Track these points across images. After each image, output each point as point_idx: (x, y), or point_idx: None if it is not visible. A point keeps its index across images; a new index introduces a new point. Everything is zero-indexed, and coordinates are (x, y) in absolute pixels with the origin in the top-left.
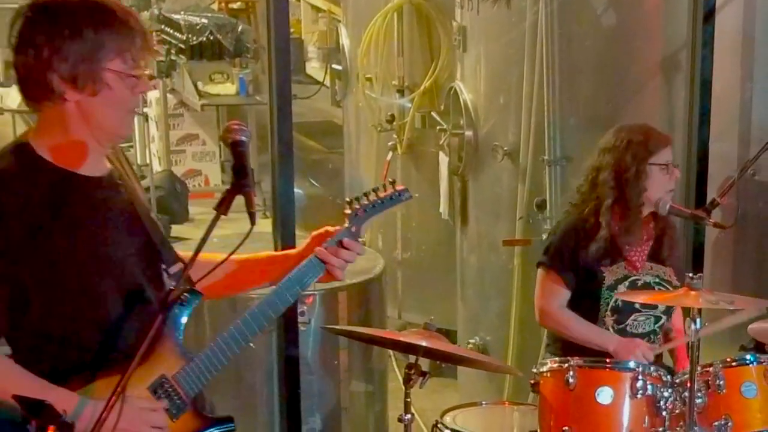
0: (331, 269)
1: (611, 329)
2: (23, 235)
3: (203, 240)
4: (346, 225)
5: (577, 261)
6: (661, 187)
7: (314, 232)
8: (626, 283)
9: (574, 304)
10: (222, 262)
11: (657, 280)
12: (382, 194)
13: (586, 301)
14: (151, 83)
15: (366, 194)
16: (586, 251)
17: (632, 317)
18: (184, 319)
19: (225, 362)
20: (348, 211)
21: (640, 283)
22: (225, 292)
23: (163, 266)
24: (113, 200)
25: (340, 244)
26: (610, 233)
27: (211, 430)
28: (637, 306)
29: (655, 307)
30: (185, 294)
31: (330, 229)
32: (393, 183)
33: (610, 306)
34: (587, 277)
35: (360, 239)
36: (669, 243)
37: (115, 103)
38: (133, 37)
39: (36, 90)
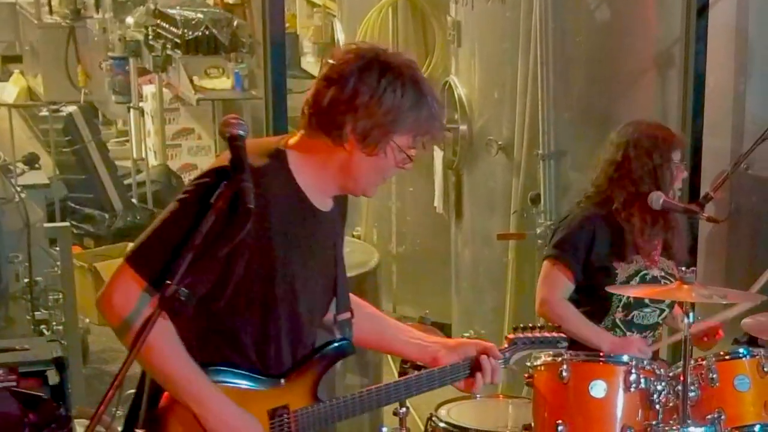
0: (474, 382)
1: (617, 321)
2: (253, 232)
3: (198, 234)
4: (505, 348)
5: (590, 255)
6: (676, 184)
7: (475, 339)
8: (637, 278)
9: (584, 301)
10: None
11: (663, 273)
12: (545, 334)
13: (597, 296)
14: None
15: (532, 328)
16: (603, 245)
17: (638, 310)
18: (334, 362)
19: (343, 418)
20: (511, 336)
21: (648, 277)
22: (371, 346)
23: (334, 312)
24: (326, 236)
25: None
26: (632, 228)
27: None
28: (646, 301)
29: (661, 300)
30: (344, 343)
31: (492, 349)
32: (558, 328)
33: (622, 302)
34: (599, 274)
35: (503, 365)
36: (678, 239)
37: (379, 169)
38: (433, 123)
39: (327, 123)
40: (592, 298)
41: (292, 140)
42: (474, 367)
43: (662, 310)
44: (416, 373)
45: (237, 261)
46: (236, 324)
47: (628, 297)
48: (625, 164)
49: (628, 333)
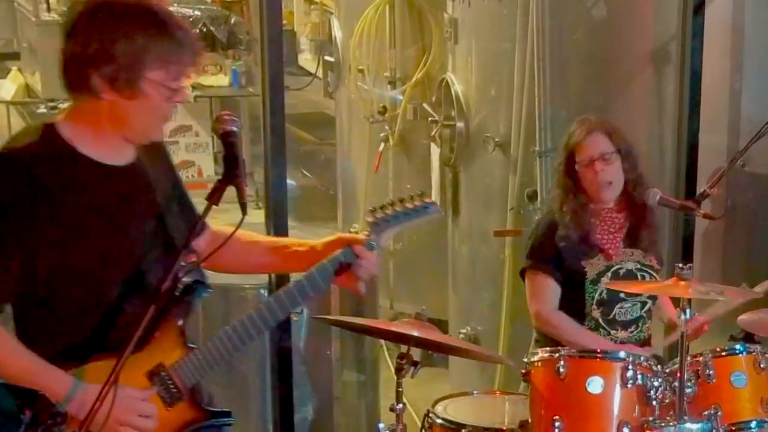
0: (352, 278)
1: (600, 320)
2: (38, 212)
3: (194, 229)
4: (368, 234)
5: (561, 258)
6: (590, 183)
7: (339, 234)
8: (609, 274)
9: (561, 302)
10: (223, 243)
11: (638, 266)
12: (408, 205)
13: (573, 297)
14: (188, 95)
15: (391, 203)
16: (567, 248)
17: (618, 306)
18: (189, 309)
19: (226, 357)
20: (370, 220)
21: (622, 271)
22: (236, 270)
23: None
24: (131, 188)
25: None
26: (571, 222)
27: (208, 422)
28: (621, 295)
29: (639, 293)
30: (194, 285)
31: (349, 236)
32: (421, 195)
33: (595, 300)
34: (571, 274)
35: (375, 250)
36: (646, 230)
37: (149, 110)
38: (182, 50)
39: (75, 80)
40: (567, 300)
41: (62, 114)
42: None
43: (644, 303)
44: (290, 285)
45: (33, 249)
46: (67, 307)
47: (601, 293)
48: (557, 167)
49: (612, 332)
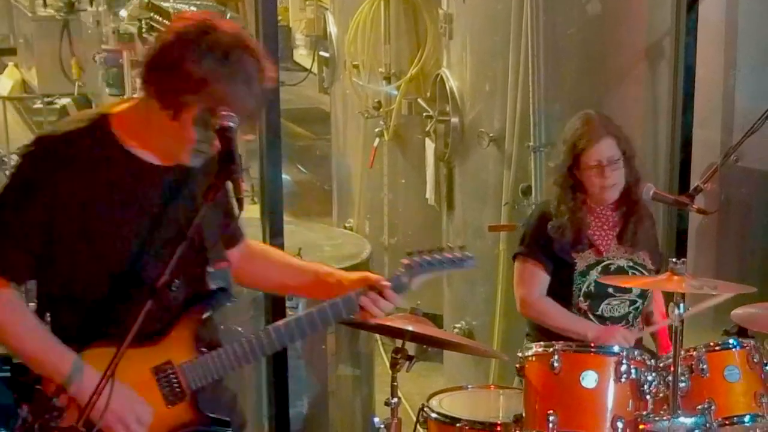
0: (364, 314)
1: (587, 315)
2: (70, 193)
3: (192, 226)
4: (399, 274)
5: (552, 248)
6: (594, 186)
7: (369, 274)
8: (598, 268)
9: (549, 292)
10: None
11: (630, 264)
12: (446, 254)
13: (560, 287)
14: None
15: (430, 250)
16: (558, 240)
17: (605, 302)
18: (207, 313)
19: (235, 368)
20: (406, 261)
21: (613, 267)
22: (257, 285)
23: (208, 267)
24: (168, 189)
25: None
26: (568, 222)
27: (205, 428)
28: (610, 290)
29: (629, 291)
30: (218, 292)
31: (377, 278)
32: (462, 248)
33: (582, 291)
34: (561, 264)
35: (403, 292)
36: (639, 227)
37: (182, 139)
38: (235, 101)
39: (142, 81)
40: (556, 291)
41: (124, 105)
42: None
43: (633, 301)
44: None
45: (57, 228)
46: (81, 289)
47: (588, 285)
48: (557, 162)
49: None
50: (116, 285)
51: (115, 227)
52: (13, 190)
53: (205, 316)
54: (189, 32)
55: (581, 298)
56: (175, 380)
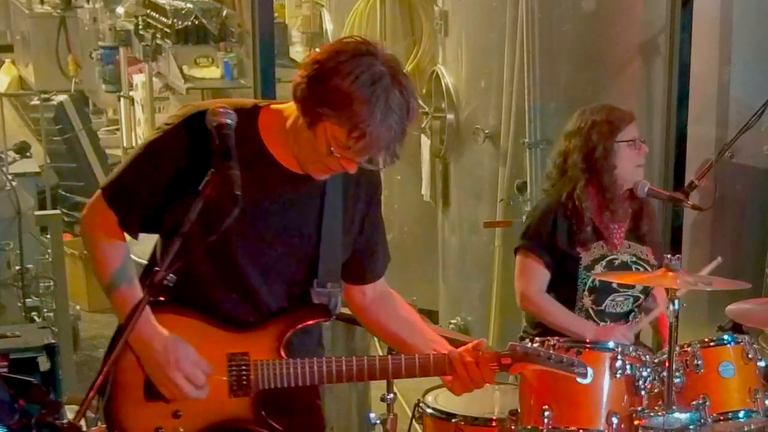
0: (453, 379)
1: (590, 311)
2: (190, 174)
3: (188, 221)
4: (503, 352)
5: (555, 243)
6: (630, 162)
7: (481, 346)
8: (603, 263)
9: (552, 286)
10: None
11: (634, 259)
12: (558, 354)
13: (564, 282)
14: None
15: (544, 341)
16: (564, 233)
17: (610, 297)
18: (300, 324)
19: (309, 382)
20: (513, 343)
21: (617, 262)
22: (378, 334)
23: (315, 281)
24: (302, 200)
25: (477, 363)
26: (591, 215)
27: (259, 429)
28: (614, 286)
29: (632, 286)
30: (319, 307)
31: (485, 350)
32: (579, 354)
33: (587, 286)
34: (564, 259)
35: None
36: (647, 221)
37: (314, 150)
38: (373, 132)
39: (302, 92)
40: (559, 284)
41: (279, 104)
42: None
43: (636, 297)
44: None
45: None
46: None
47: (593, 280)
48: (573, 153)
49: (602, 324)
50: (215, 269)
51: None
52: (148, 151)
53: (298, 325)
54: (347, 50)
55: (585, 293)
56: (245, 372)
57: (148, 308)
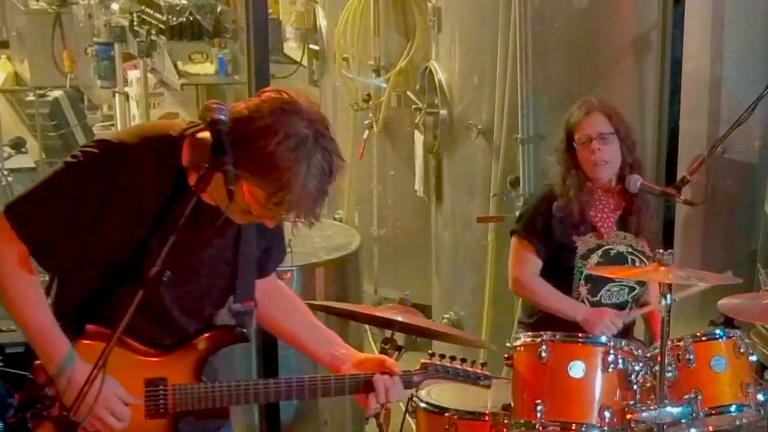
0: (370, 399)
1: (585, 301)
2: (123, 207)
3: (183, 218)
4: (415, 370)
5: (550, 230)
6: (586, 162)
7: (383, 356)
8: (599, 252)
9: (549, 274)
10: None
11: (630, 249)
12: (466, 367)
13: (561, 270)
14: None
15: (451, 357)
16: (558, 222)
17: (606, 287)
18: (217, 347)
19: (226, 404)
20: (423, 361)
21: (613, 252)
22: (273, 330)
23: (232, 298)
24: (219, 229)
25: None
26: (570, 203)
27: None
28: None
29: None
30: (234, 329)
31: (392, 363)
32: (483, 365)
33: (584, 275)
34: (560, 247)
35: (411, 389)
36: (641, 215)
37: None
38: (302, 206)
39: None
40: (555, 273)
41: (189, 130)
42: (370, 384)
43: (632, 288)
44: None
45: (100, 232)
46: (101, 293)
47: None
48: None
49: None
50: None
51: (148, 249)
52: (67, 181)
53: (214, 349)
54: (271, 109)
55: (581, 282)
56: (163, 397)
57: (69, 343)
